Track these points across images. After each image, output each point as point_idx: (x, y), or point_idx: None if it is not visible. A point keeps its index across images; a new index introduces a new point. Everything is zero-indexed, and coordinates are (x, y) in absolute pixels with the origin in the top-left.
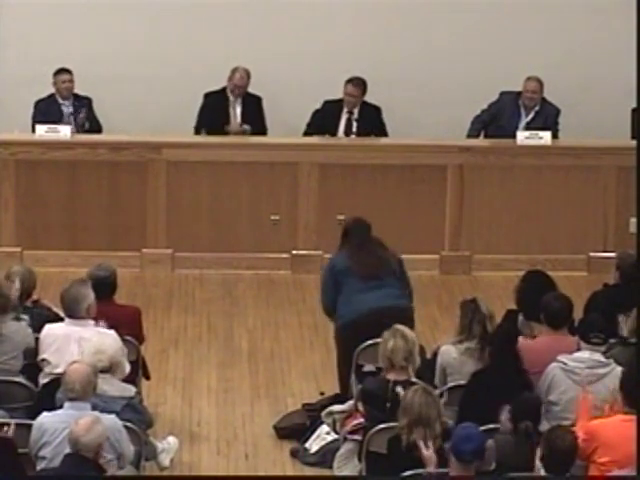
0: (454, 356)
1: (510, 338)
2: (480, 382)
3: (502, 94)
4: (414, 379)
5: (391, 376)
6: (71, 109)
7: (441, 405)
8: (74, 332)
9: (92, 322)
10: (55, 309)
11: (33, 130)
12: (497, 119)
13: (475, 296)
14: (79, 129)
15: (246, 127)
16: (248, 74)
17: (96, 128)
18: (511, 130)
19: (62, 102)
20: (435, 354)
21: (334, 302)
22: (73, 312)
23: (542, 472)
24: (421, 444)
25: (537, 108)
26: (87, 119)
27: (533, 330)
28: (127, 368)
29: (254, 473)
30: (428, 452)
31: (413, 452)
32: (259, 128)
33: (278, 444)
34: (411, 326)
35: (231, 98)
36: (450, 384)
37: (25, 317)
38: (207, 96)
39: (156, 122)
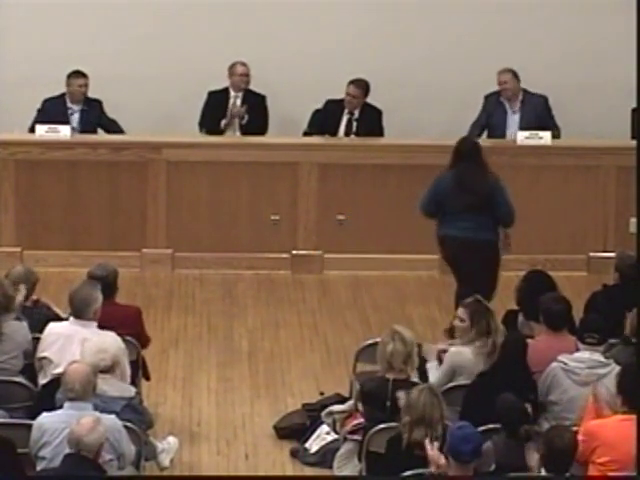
0: (469, 357)
1: (522, 343)
2: (485, 382)
3: (486, 97)
4: (414, 379)
5: (390, 375)
6: (79, 113)
7: (444, 407)
8: (78, 332)
9: (96, 324)
10: (55, 309)
11: (32, 130)
12: (489, 121)
13: (475, 296)
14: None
15: (242, 109)
16: (247, 66)
17: (117, 129)
18: (502, 128)
19: (70, 105)
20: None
21: (426, 209)
22: (80, 313)
23: (541, 472)
24: (427, 444)
25: (521, 97)
26: (99, 123)
27: (533, 330)
28: (128, 371)
29: (254, 473)
30: (433, 452)
31: (413, 451)
32: (260, 126)
33: (278, 444)
34: (491, 259)
35: (232, 93)
36: (450, 384)
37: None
38: (210, 94)
39: (156, 122)
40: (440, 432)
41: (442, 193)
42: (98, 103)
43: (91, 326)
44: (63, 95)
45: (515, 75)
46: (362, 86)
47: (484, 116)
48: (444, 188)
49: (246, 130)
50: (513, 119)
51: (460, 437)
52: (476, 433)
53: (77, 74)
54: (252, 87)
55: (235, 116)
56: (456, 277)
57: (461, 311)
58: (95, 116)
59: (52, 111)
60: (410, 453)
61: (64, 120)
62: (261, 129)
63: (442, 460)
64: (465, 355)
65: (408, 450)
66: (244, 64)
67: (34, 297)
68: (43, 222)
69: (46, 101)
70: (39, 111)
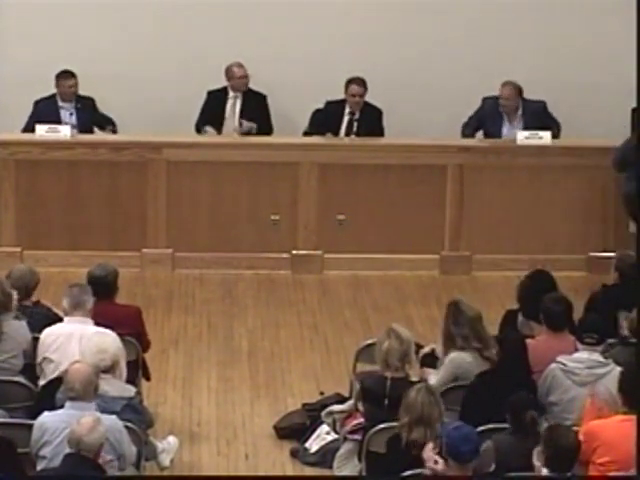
0: (469, 360)
1: (521, 343)
2: (485, 383)
3: (484, 100)
4: (413, 378)
5: (388, 373)
6: (71, 111)
7: (442, 406)
8: (76, 330)
9: (92, 322)
10: (55, 309)
11: (26, 129)
12: (482, 125)
13: (455, 299)
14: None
15: (248, 124)
16: (244, 66)
17: (111, 125)
18: (498, 133)
19: (62, 104)
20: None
21: (618, 166)
22: (78, 306)
23: (542, 472)
24: (427, 447)
25: (520, 112)
26: (92, 121)
27: (533, 330)
28: (124, 372)
29: (254, 473)
30: (429, 454)
31: (412, 451)
32: (264, 126)
33: (278, 444)
34: None
35: (231, 94)
36: (449, 385)
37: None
38: (209, 94)
39: (156, 122)
40: (439, 431)
41: (627, 151)
42: (91, 101)
43: (89, 323)
44: (54, 95)
45: (518, 90)
46: (362, 83)
47: (476, 118)
48: (629, 147)
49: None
50: (512, 132)
51: (459, 437)
52: (474, 432)
53: (66, 75)
54: (252, 86)
55: (245, 132)
56: None
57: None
58: (89, 114)
59: (44, 111)
60: (409, 452)
61: (56, 120)
62: (265, 129)
63: (440, 466)
64: (465, 359)
65: (407, 450)
66: (240, 65)
67: (34, 298)
68: (43, 222)
69: (38, 102)
70: (32, 112)
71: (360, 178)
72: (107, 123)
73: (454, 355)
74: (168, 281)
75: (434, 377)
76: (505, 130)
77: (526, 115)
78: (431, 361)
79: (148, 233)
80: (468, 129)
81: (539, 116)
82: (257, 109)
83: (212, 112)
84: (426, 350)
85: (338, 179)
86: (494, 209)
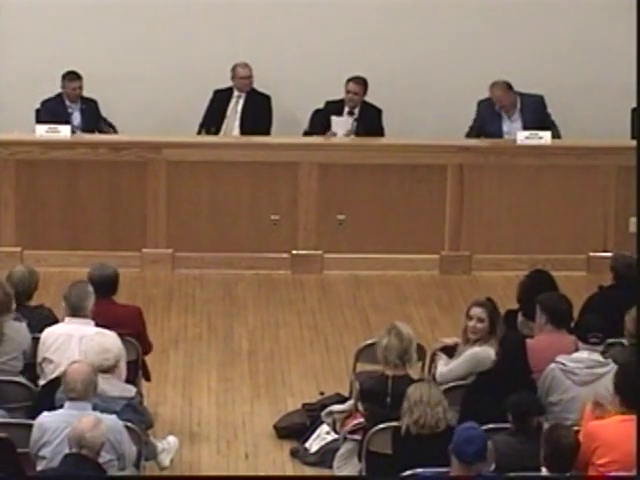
0: (493, 358)
1: (520, 343)
2: (485, 382)
3: (479, 103)
4: (414, 377)
5: (389, 372)
6: (74, 111)
7: (443, 396)
8: (77, 331)
9: (92, 322)
10: (56, 312)
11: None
12: (482, 129)
13: (487, 296)
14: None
15: None
16: (250, 67)
17: (113, 131)
18: (498, 133)
19: (69, 104)
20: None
21: None
22: (78, 310)
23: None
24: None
25: (519, 106)
26: (95, 123)
27: (533, 330)
28: (124, 372)
29: (254, 473)
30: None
31: (411, 438)
32: (263, 127)
33: (278, 444)
34: None
35: (235, 93)
36: (450, 384)
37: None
38: (215, 93)
39: (156, 122)
40: (441, 414)
41: None
42: (94, 103)
43: (89, 324)
44: (60, 95)
45: (508, 86)
46: (361, 82)
47: (476, 126)
48: None
49: (250, 130)
50: (513, 126)
51: (464, 438)
52: (481, 436)
53: (71, 76)
54: (256, 87)
55: None
56: None
57: (479, 311)
58: (94, 115)
59: (53, 111)
60: (409, 439)
61: (66, 119)
62: (265, 129)
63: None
64: (492, 356)
65: (407, 436)
66: (246, 65)
67: (35, 301)
68: (43, 222)
69: (45, 102)
70: (38, 111)
71: (360, 178)
72: (108, 128)
73: (480, 350)
74: (168, 281)
75: (444, 364)
76: (506, 127)
77: (524, 109)
78: (449, 352)
79: (148, 233)
80: (471, 136)
81: (537, 110)
82: (259, 110)
83: (215, 111)
84: (448, 342)
85: (338, 179)
86: (494, 209)
